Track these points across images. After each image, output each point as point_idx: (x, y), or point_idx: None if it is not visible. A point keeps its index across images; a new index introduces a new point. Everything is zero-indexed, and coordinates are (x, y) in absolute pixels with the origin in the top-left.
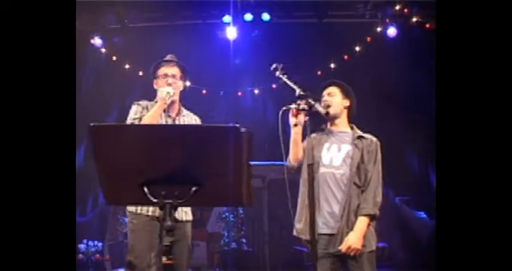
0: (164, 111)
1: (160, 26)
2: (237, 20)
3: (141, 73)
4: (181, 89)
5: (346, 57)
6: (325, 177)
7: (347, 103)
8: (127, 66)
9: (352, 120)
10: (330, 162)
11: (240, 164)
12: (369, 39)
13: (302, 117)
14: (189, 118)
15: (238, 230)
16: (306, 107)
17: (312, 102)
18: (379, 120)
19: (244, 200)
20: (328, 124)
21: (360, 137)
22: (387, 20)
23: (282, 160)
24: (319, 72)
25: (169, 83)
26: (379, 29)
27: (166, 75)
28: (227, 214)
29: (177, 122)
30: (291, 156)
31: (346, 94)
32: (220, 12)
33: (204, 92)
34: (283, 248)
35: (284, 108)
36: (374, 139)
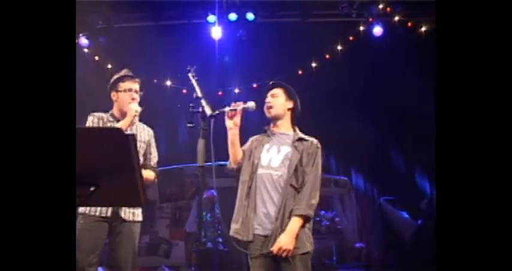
0: (118, 121)
1: (145, 26)
2: (222, 19)
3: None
4: None
5: (327, 56)
6: (263, 178)
7: (290, 105)
8: (109, 66)
9: (296, 121)
10: (269, 164)
11: (131, 165)
12: (351, 38)
13: (238, 120)
14: (140, 127)
15: (214, 230)
16: (199, 109)
17: (204, 104)
18: (363, 120)
19: (142, 200)
20: (271, 125)
21: (300, 139)
22: (370, 19)
23: None
24: (300, 72)
25: (134, 98)
26: (362, 28)
27: (130, 90)
28: (204, 213)
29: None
30: (230, 158)
31: (289, 95)
32: (205, 12)
33: (184, 91)
34: None
35: (217, 111)
36: (315, 141)
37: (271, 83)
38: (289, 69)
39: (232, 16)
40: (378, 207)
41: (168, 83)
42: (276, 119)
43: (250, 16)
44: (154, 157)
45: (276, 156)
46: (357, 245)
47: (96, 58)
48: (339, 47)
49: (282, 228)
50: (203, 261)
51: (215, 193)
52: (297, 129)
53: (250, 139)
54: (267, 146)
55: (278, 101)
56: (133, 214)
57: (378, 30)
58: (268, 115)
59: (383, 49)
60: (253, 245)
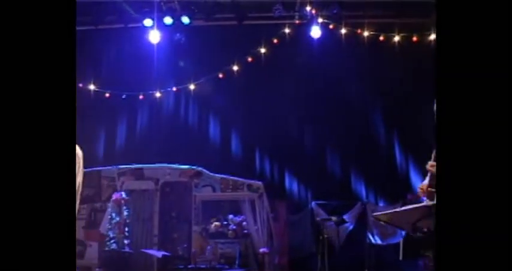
0: None
1: (85, 30)
2: (158, 23)
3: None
4: None
5: (250, 59)
6: None
7: None
8: None
9: None
10: None
11: None
12: (275, 41)
13: None
14: None
15: (120, 231)
16: None
17: None
18: (299, 123)
19: None
20: None
21: None
22: (297, 22)
23: (177, 163)
24: (220, 75)
25: None
26: (288, 31)
27: None
28: (113, 214)
29: None
30: None
31: None
32: (142, 16)
33: (107, 95)
34: (173, 250)
35: None
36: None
37: None
38: (211, 72)
39: (168, 20)
40: (309, 211)
41: (92, 87)
42: None
43: (185, 20)
44: None
45: None
46: (261, 250)
47: None
48: (263, 50)
49: None
50: (109, 262)
51: (124, 195)
52: None
53: None
54: None
55: None
56: None
57: (315, 32)
58: None
59: (315, 50)
60: None
